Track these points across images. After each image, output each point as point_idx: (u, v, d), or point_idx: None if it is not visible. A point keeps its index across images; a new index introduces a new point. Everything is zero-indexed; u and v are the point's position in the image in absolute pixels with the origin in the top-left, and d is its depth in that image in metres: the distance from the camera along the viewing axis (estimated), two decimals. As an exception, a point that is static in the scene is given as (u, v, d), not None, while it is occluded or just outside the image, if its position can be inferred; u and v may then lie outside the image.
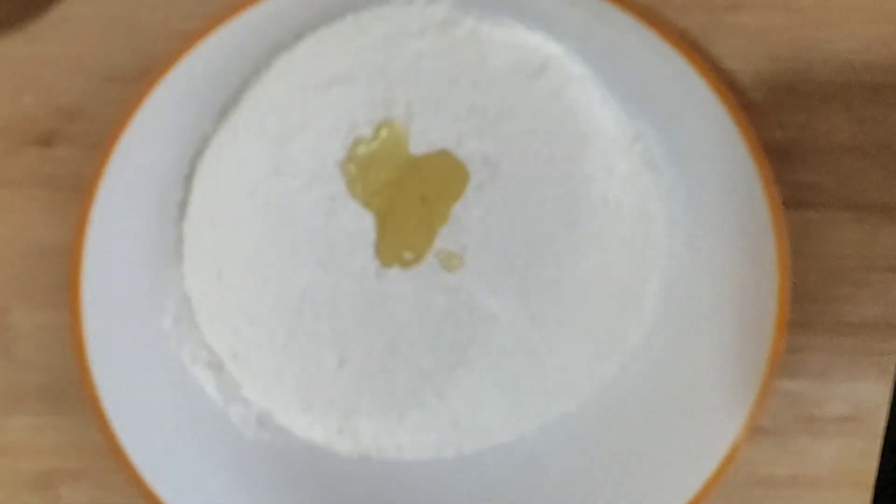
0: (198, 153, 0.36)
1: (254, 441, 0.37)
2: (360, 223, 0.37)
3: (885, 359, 0.38)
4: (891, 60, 0.36)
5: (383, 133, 0.36)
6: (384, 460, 0.38)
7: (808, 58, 0.36)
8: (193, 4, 0.35)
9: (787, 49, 0.36)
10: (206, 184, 0.36)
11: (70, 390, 0.37)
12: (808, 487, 0.39)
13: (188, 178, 0.36)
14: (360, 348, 0.37)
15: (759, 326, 0.34)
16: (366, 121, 0.36)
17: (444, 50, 0.36)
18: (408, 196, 0.37)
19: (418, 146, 0.36)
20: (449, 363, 0.38)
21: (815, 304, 0.38)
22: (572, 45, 0.36)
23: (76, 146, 0.36)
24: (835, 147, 0.37)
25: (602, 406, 0.38)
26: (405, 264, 0.37)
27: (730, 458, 0.34)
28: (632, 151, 0.36)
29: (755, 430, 0.34)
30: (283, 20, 0.34)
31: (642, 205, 0.37)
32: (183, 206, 0.36)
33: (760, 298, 0.33)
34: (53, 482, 0.39)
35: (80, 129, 0.36)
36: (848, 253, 0.38)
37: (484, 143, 0.36)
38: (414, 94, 0.36)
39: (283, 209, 0.36)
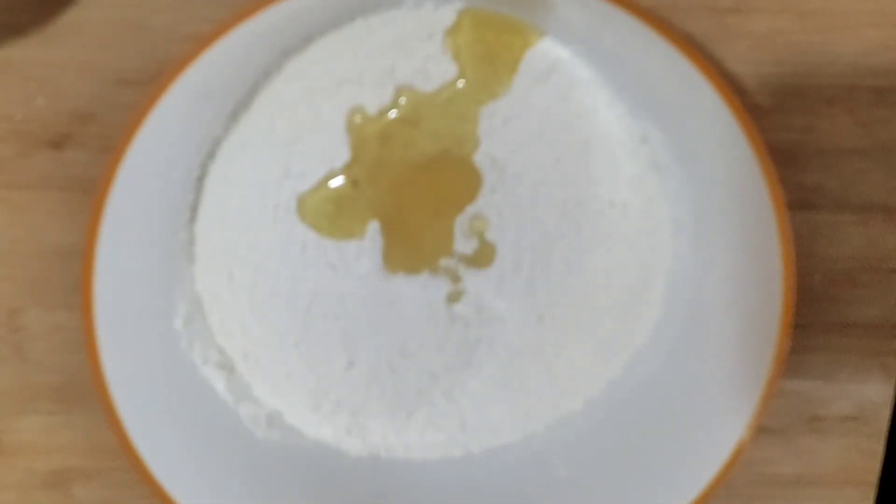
0: (209, 155, 0.36)
1: (264, 440, 0.37)
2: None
3: (889, 359, 0.39)
4: (894, 64, 0.36)
5: (392, 135, 0.36)
6: (392, 460, 0.38)
7: (813, 61, 0.36)
8: (204, 8, 0.36)
9: (792, 53, 0.36)
10: (217, 186, 0.36)
11: (82, 390, 0.37)
12: (812, 486, 0.40)
13: (199, 181, 0.36)
14: (369, 349, 0.38)
15: (764, 327, 0.34)
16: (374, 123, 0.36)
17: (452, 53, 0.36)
18: (417, 201, 0.37)
19: (426, 149, 0.37)
20: (457, 364, 0.38)
21: (819, 304, 0.38)
22: (579, 49, 0.36)
23: (88, 149, 0.36)
24: (839, 149, 0.37)
25: (608, 406, 0.38)
26: (414, 271, 0.37)
27: (735, 458, 0.34)
28: (638, 154, 0.37)
29: (760, 430, 0.34)
30: (293, 24, 0.34)
31: (648, 207, 0.37)
32: (194, 208, 0.36)
33: (765, 299, 0.34)
34: (66, 481, 0.39)
35: (91, 132, 0.36)
36: (852, 254, 0.38)
37: (492, 146, 0.37)
38: (422, 98, 0.36)
39: (292, 211, 0.37)
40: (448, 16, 0.35)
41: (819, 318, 0.38)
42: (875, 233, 0.38)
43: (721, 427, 0.35)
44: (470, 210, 0.37)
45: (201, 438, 0.36)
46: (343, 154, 0.36)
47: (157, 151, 0.33)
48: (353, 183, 0.37)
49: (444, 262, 0.37)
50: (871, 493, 0.39)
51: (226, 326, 0.37)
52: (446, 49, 0.36)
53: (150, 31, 0.36)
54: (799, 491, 0.40)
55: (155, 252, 0.36)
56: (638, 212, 0.37)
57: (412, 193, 0.37)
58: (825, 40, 0.36)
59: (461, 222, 0.37)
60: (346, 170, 0.37)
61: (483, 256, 0.37)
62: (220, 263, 0.37)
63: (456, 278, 0.37)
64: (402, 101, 0.36)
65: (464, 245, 0.37)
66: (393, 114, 0.36)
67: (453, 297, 0.38)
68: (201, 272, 0.37)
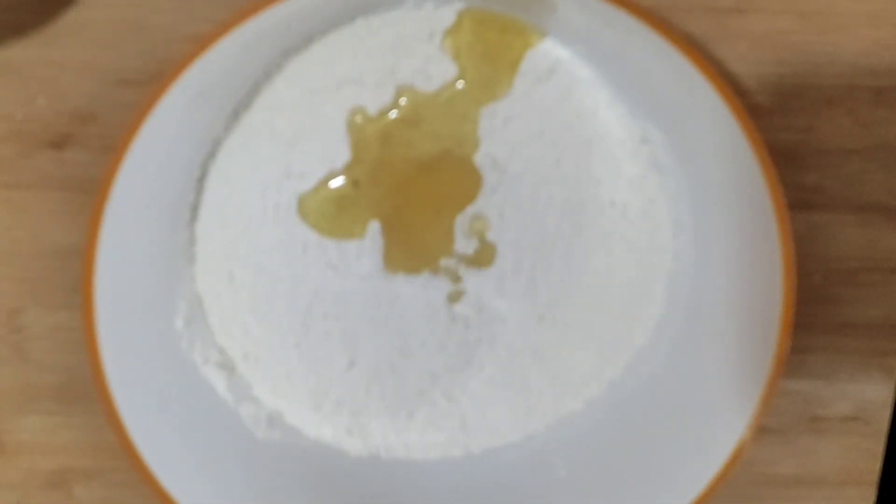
0: (209, 156, 0.36)
1: (264, 440, 0.37)
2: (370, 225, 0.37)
3: (890, 359, 0.39)
4: (894, 64, 0.37)
5: (393, 135, 0.36)
6: (393, 460, 0.38)
7: (813, 61, 0.36)
8: (204, 8, 0.36)
9: (792, 53, 0.36)
10: (218, 186, 0.36)
11: (83, 390, 0.37)
12: (813, 486, 0.40)
13: (200, 181, 0.36)
14: (370, 349, 0.38)
15: (764, 327, 0.34)
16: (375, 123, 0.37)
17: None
18: (417, 201, 0.37)
19: (427, 149, 0.37)
20: (457, 364, 0.38)
21: (819, 305, 0.38)
22: (579, 49, 0.36)
23: (89, 149, 0.36)
24: (839, 149, 0.37)
25: (609, 405, 0.38)
26: (415, 271, 0.37)
27: (735, 458, 0.34)
28: (638, 154, 0.37)
29: (760, 430, 0.34)
30: (294, 24, 0.34)
31: (649, 207, 0.37)
32: (195, 209, 0.36)
33: (766, 299, 0.34)
34: (67, 481, 0.39)
35: (92, 132, 0.36)
36: (852, 254, 0.38)
37: (492, 146, 0.37)
38: (423, 98, 0.36)
39: (293, 211, 0.37)
40: (448, 16, 0.35)
41: (819, 318, 0.38)
42: (875, 233, 0.38)
43: (721, 427, 0.35)
44: (470, 210, 0.37)
45: (202, 438, 0.36)
46: (344, 154, 0.36)
47: (157, 151, 0.33)
48: (353, 183, 0.37)
49: (444, 262, 0.37)
50: (871, 493, 0.40)
51: (226, 326, 0.37)
52: (446, 49, 0.36)
53: (151, 31, 0.36)
54: (799, 491, 0.40)
55: (155, 252, 0.36)
56: (638, 212, 0.37)
57: (413, 193, 0.37)
58: (825, 40, 0.36)
59: (461, 222, 0.37)
60: (347, 170, 0.37)
61: (483, 256, 0.37)
62: (221, 263, 0.37)
63: (456, 278, 0.37)
64: (403, 101, 0.36)
65: (464, 245, 0.37)
66: (393, 114, 0.36)
67: (454, 297, 0.38)
68: (202, 272, 0.37)
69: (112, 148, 0.32)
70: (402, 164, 0.37)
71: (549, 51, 0.36)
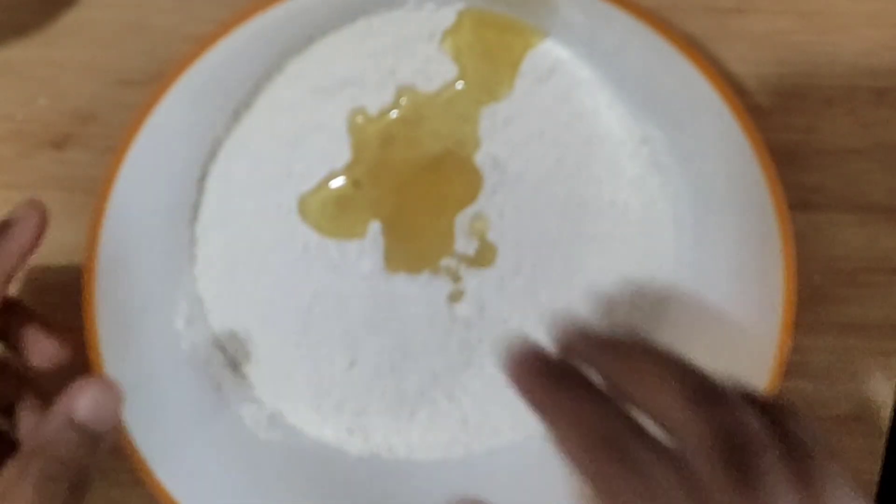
0: (210, 156, 0.36)
1: (266, 440, 0.37)
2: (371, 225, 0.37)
3: (890, 359, 0.39)
4: (894, 64, 0.37)
5: (393, 135, 0.36)
6: (394, 459, 0.38)
7: (813, 62, 0.36)
8: (205, 9, 0.36)
9: (793, 53, 0.36)
10: (219, 186, 0.36)
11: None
12: (813, 486, 0.40)
13: (201, 181, 0.36)
14: (371, 349, 0.38)
15: (764, 327, 0.34)
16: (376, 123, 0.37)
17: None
18: (418, 201, 0.37)
19: (427, 149, 0.37)
20: (458, 363, 0.38)
21: (820, 305, 0.38)
22: (580, 50, 0.36)
23: (90, 149, 0.36)
24: (839, 150, 0.37)
25: (609, 406, 0.38)
26: (415, 271, 0.37)
27: (736, 458, 0.34)
28: (639, 154, 0.37)
29: (761, 430, 0.34)
30: (295, 24, 0.34)
31: (649, 207, 0.37)
32: (196, 209, 0.37)
33: (766, 299, 0.34)
34: (67, 481, 0.39)
35: (93, 132, 0.36)
36: (852, 254, 0.38)
37: (493, 146, 0.37)
38: (423, 98, 0.36)
39: (293, 211, 0.37)
40: (448, 16, 0.35)
41: (819, 318, 0.38)
42: (875, 233, 0.38)
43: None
44: (471, 210, 0.37)
45: (203, 438, 0.36)
46: (344, 154, 0.36)
47: (158, 152, 0.33)
48: (354, 183, 0.37)
49: (445, 262, 0.37)
50: (871, 493, 0.40)
51: (227, 327, 0.37)
52: (447, 50, 0.36)
53: (152, 31, 0.36)
54: (799, 491, 0.40)
55: (156, 252, 0.36)
56: (638, 212, 0.37)
57: (413, 194, 0.37)
58: (825, 40, 0.36)
59: (462, 222, 0.37)
60: (348, 170, 0.37)
61: (484, 256, 0.37)
62: (222, 264, 0.37)
63: (457, 278, 0.37)
64: (403, 101, 0.36)
65: (465, 245, 0.37)
66: (394, 114, 0.36)
67: (454, 297, 0.38)
68: (203, 272, 0.37)
69: (112, 148, 0.32)
70: (403, 164, 0.37)
71: (549, 51, 0.36)
